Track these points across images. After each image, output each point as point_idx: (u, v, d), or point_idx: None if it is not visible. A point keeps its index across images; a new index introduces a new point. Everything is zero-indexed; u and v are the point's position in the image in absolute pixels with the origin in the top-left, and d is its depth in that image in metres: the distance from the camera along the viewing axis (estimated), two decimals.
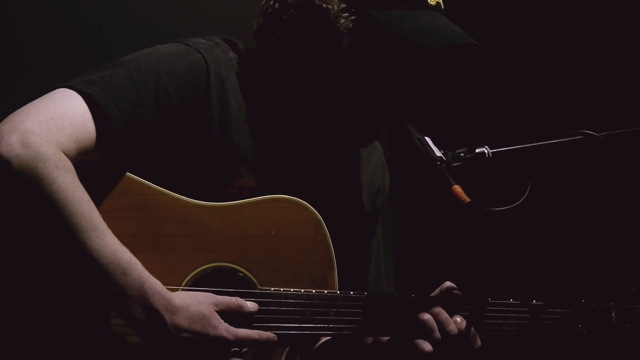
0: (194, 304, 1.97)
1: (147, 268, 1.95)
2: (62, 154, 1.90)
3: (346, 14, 2.13)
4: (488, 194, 2.01)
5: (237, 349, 2.01)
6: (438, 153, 2.06)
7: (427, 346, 2.16)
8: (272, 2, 2.19)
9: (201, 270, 2.08)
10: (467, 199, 1.97)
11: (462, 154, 2.07)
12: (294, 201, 2.15)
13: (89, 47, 3.38)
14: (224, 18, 3.52)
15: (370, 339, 2.30)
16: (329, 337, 2.31)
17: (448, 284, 2.26)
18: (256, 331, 2.04)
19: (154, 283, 1.94)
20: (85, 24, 3.42)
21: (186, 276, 2.06)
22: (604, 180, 3.46)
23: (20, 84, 3.21)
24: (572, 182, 3.57)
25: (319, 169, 2.30)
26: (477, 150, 2.08)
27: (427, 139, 2.09)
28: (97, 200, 1.95)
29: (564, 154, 2.14)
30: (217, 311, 1.99)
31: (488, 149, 2.09)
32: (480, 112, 3.91)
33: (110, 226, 1.93)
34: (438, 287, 2.28)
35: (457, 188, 1.99)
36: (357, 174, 2.40)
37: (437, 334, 2.16)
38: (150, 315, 1.92)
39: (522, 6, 3.96)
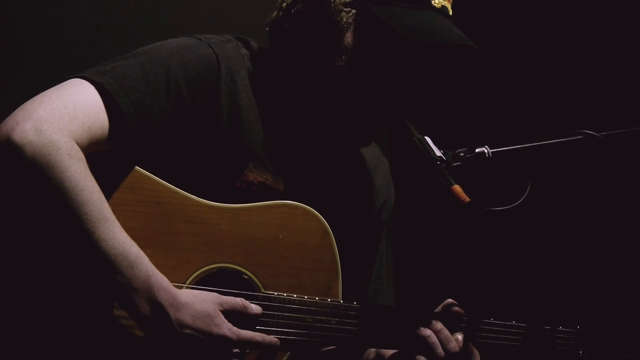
0: (199, 302, 1.98)
1: (153, 264, 1.96)
2: (74, 142, 1.91)
3: (347, 9, 2.15)
4: (488, 193, 2.02)
5: (239, 350, 2.02)
6: (438, 153, 2.06)
7: None
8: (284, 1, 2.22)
9: (206, 270, 2.08)
10: (467, 199, 1.97)
11: (462, 154, 2.08)
12: (303, 208, 2.16)
13: (89, 47, 3.38)
14: (230, 19, 3.52)
15: (372, 353, 2.30)
16: (331, 347, 2.31)
17: (450, 301, 2.26)
18: (259, 334, 2.04)
19: (160, 278, 1.95)
20: (85, 24, 3.42)
21: (191, 275, 2.07)
22: (604, 180, 3.45)
23: (20, 84, 3.21)
24: (572, 182, 3.57)
25: (326, 171, 2.31)
26: (477, 150, 2.08)
27: (427, 138, 2.09)
28: (107, 194, 1.96)
29: (563, 153, 2.14)
30: (221, 311, 2.00)
31: (488, 149, 2.09)
32: (480, 112, 3.90)
33: (119, 220, 1.93)
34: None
35: (457, 188, 1.99)
36: (363, 182, 2.41)
37: (440, 351, 2.17)
38: (154, 310, 1.93)
39: (522, 6, 3.96)
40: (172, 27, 3.44)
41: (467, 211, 1.96)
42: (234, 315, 2.02)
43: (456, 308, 2.24)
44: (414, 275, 4.07)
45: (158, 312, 1.92)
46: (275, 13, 2.25)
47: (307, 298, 2.13)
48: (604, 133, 2.13)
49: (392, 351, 2.28)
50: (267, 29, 2.27)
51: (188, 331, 1.94)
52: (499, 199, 1.98)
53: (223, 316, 1.99)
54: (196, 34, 2.19)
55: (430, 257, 4.05)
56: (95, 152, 1.98)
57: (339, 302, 2.16)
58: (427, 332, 2.19)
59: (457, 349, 2.19)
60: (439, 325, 2.20)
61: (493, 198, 1.98)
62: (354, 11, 2.15)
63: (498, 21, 3.94)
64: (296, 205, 2.16)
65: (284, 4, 2.22)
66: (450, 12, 2.20)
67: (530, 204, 2.01)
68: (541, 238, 3.72)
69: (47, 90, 1.97)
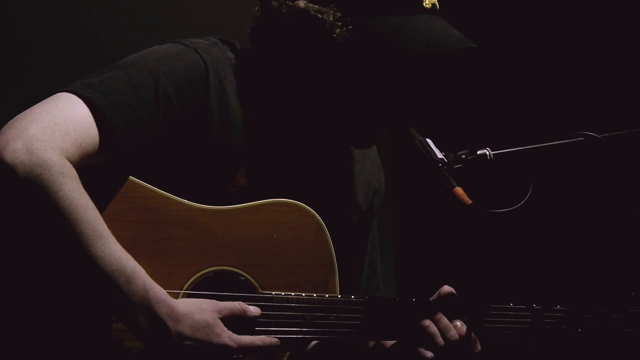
0: (198, 311, 1.97)
1: (148, 272, 1.95)
2: (67, 160, 1.89)
3: (341, 24, 2.12)
4: (490, 195, 2.01)
5: (241, 356, 2.01)
6: (439, 155, 2.06)
7: (429, 354, 2.18)
8: (264, 10, 2.19)
9: (203, 274, 2.07)
10: (469, 201, 1.97)
11: (463, 156, 2.07)
12: (296, 205, 2.15)
13: (88, 48, 3.38)
14: (222, 20, 3.52)
15: (371, 343, 2.30)
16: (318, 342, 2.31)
17: (447, 288, 2.26)
18: (259, 337, 2.04)
19: (157, 291, 1.94)
20: (85, 25, 3.42)
21: (187, 280, 2.06)
22: (605, 182, 3.45)
23: (20, 85, 3.21)
24: (574, 184, 3.57)
25: (318, 169, 2.30)
26: (478, 152, 2.08)
27: (429, 140, 2.09)
28: (99, 204, 1.95)
29: (565, 155, 2.13)
30: (220, 318, 1.99)
31: (489, 151, 2.09)
32: (482, 114, 3.90)
33: (112, 230, 1.92)
34: (438, 290, 2.28)
35: (459, 190, 1.99)
36: (353, 175, 2.40)
37: (440, 340, 2.17)
38: (153, 323, 1.92)
39: (523, 7, 3.96)
40: (170, 27, 3.45)
41: (468, 213, 1.96)
42: (234, 321, 2.01)
43: (453, 295, 2.24)
44: (416, 278, 4.07)
45: (157, 325, 1.92)
46: (260, 27, 2.22)
47: (305, 295, 2.13)
48: (605, 134, 2.13)
49: (392, 341, 2.27)
50: (250, 40, 2.24)
51: (188, 342, 1.94)
52: (501, 201, 1.97)
53: (222, 324, 1.98)
54: (182, 40, 2.17)
55: (432, 259, 4.04)
56: (88, 165, 1.96)
57: (337, 297, 2.16)
58: (426, 322, 2.19)
59: (457, 337, 2.19)
60: (437, 314, 2.20)
61: (495, 200, 1.98)
62: (349, 26, 2.11)
63: (499, 23, 3.93)
64: (289, 203, 2.15)
65: (269, 18, 2.18)
66: (438, 7, 2.19)
67: (532, 206, 2.00)
68: (543, 240, 3.72)
69: (36, 106, 1.94)
